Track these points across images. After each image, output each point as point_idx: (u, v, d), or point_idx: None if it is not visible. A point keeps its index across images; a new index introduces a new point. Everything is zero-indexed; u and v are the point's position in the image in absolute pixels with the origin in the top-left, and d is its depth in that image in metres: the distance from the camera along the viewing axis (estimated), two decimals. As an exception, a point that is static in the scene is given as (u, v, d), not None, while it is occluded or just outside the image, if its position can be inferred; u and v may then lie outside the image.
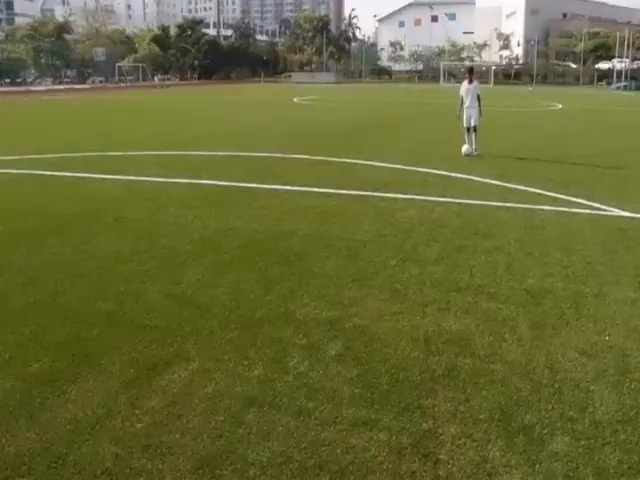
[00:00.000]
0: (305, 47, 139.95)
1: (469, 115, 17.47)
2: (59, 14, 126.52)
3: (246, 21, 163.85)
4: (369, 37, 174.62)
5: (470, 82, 17.63)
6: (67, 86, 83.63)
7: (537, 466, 3.84)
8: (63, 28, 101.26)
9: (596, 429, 4.22)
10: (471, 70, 18.49)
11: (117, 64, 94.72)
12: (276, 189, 12.27)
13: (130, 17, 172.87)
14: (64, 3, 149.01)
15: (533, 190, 12.25)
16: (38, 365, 5.03)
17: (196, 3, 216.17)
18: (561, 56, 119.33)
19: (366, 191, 12.01)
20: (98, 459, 3.87)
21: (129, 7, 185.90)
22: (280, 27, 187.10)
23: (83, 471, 3.76)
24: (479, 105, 17.53)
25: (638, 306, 6.38)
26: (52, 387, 4.69)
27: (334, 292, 6.70)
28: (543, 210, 10.60)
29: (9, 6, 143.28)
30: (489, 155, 17.17)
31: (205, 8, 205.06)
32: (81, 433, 4.14)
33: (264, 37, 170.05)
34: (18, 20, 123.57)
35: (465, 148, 17.36)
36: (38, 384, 4.73)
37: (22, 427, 4.20)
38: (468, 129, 17.55)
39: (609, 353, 5.32)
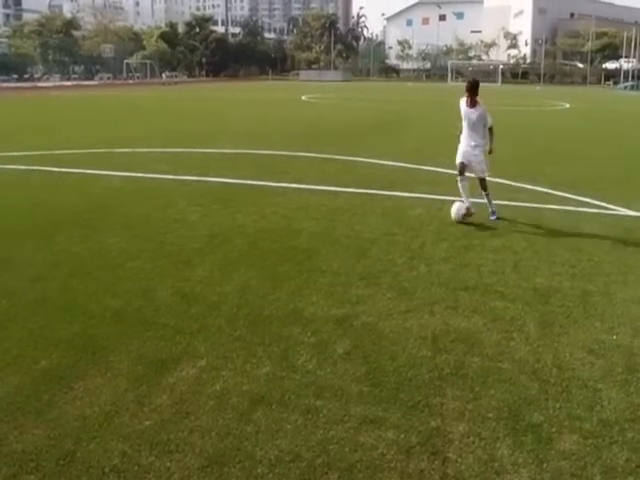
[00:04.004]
0: (313, 45, 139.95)
1: (465, 153, 9.90)
2: (67, 10, 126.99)
3: (254, 19, 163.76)
4: (377, 35, 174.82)
5: (472, 105, 9.67)
6: (75, 82, 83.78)
7: (545, 464, 3.84)
8: (71, 24, 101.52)
9: (604, 428, 4.21)
10: (474, 86, 9.73)
11: (125, 61, 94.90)
12: (284, 187, 12.27)
13: (138, 14, 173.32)
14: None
15: (540, 189, 12.24)
16: (46, 362, 5.04)
17: (204, 0, 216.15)
18: (568, 56, 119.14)
19: (374, 189, 12.00)
20: (106, 456, 3.88)
21: (137, 4, 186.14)
22: (288, 25, 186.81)
23: (91, 468, 3.77)
24: (491, 143, 9.96)
25: (646, 306, 6.36)
26: (60, 384, 4.70)
27: (342, 290, 6.70)
28: (550, 209, 10.59)
29: (17, 2, 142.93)
30: (496, 153, 17.06)
31: (213, 5, 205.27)
32: (89, 430, 4.15)
33: (272, 35, 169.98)
34: (26, 16, 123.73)
35: (456, 209, 9.74)
36: (46, 381, 4.74)
37: (30, 424, 4.21)
38: (462, 171, 9.87)
39: (617, 352, 5.31)
